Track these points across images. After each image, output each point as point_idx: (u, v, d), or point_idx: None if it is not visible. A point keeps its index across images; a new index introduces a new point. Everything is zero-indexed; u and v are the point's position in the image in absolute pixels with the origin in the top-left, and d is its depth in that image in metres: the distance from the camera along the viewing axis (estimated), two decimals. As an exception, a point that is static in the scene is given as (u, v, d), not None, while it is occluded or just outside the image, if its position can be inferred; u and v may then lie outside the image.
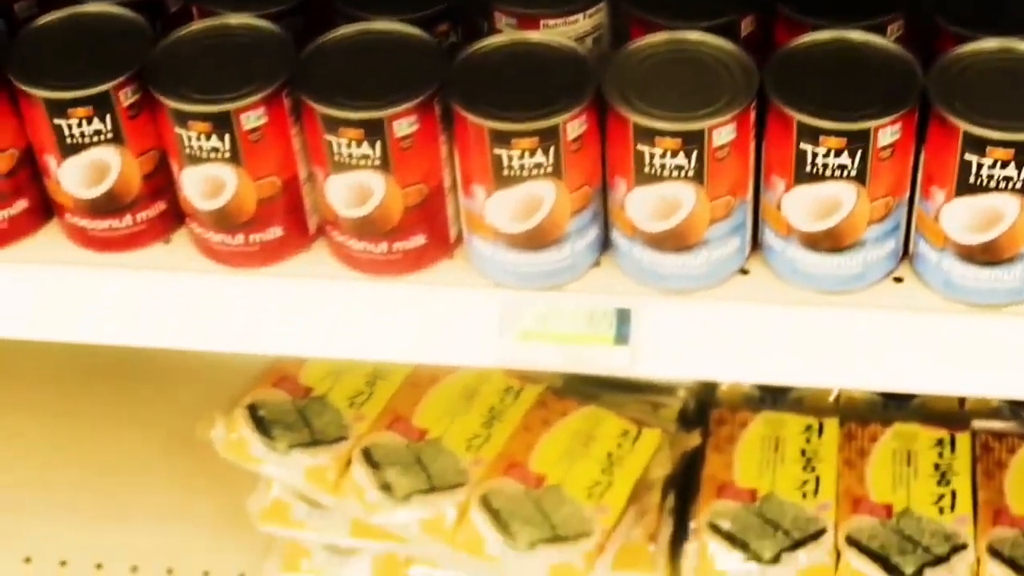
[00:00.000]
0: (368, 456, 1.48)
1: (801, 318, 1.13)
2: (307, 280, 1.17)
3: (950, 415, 1.57)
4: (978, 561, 1.42)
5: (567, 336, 1.14)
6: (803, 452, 1.52)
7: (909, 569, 1.41)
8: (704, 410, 1.59)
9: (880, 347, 1.13)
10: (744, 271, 1.16)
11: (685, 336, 1.14)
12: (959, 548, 1.42)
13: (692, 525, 1.47)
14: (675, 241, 1.11)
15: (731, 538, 1.44)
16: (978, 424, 1.55)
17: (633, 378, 1.56)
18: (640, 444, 1.50)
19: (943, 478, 1.49)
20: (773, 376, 1.15)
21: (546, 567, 1.42)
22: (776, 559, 1.43)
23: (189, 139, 1.10)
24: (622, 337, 1.14)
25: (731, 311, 1.14)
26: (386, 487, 1.46)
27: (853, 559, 1.42)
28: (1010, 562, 1.42)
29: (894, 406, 1.59)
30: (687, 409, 1.59)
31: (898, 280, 1.15)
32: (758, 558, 1.43)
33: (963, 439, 1.53)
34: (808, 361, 1.14)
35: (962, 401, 1.60)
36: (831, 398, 1.61)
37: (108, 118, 1.11)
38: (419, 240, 1.14)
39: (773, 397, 1.61)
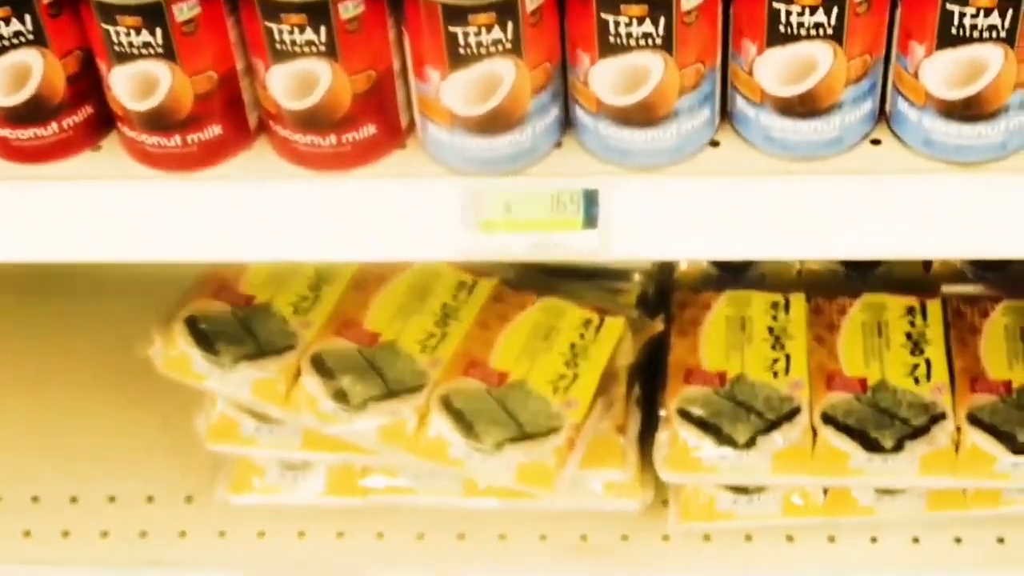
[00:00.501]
0: (319, 364, 1.46)
1: (778, 188, 1.12)
2: (251, 180, 1.15)
3: (917, 282, 1.58)
4: (958, 430, 1.44)
5: (533, 223, 1.13)
6: (771, 330, 1.52)
7: (888, 443, 1.42)
8: (663, 293, 1.59)
9: (862, 213, 1.12)
10: (715, 143, 1.15)
11: (657, 215, 1.13)
12: (938, 418, 1.44)
13: (662, 414, 1.47)
14: (643, 115, 1.10)
15: (703, 424, 1.45)
16: (948, 289, 1.56)
17: (588, 264, 1.56)
18: (603, 333, 1.49)
19: (916, 347, 1.50)
20: (753, 251, 1.15)
21: (515, 467, 1.41)
22: (751, 442, 1.43)
23: (118, 35, 1.06)
24: (590, 220, 1.13)
25: (704, 186, 1.12)
26: (340, 396, 1.44)
27: (830, 437, 1.43)
28: (991, 428, 1.44)
29: (857, 276, 1.60)
30: (646, 293, 1.59)
31: (876, 142, 1.14)
32: (732, 443, 1.43)
33: (934, 306, 1.54)
34: (788, 233, 1.13)
35: (927, 266, 1.60)
36: (794, 272, 1.61)
37: (28, 18, 1.07)
38: (369, 130, 1.12)
39: (734, 275, 1.61)
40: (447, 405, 1.43)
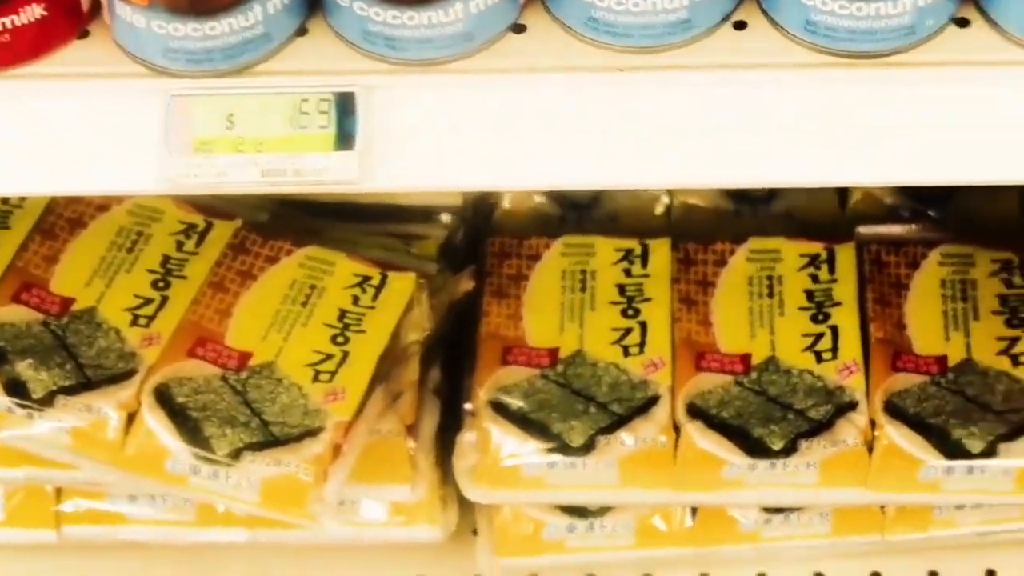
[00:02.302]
0: (-15, 343, 1.46)
1: (608, 89, 1.13)
2: None
3: (826, 222, 1.60)
4: (872, 424, 1.46)
5: (266, 141, 1.13)
6: (622, 289, 1.53)
7: (777, 444, 1.44)
8: (478, 240, 1.60)
9: (718, 123, 1.13)
10: (519, 27, 1.16)
11: (438, 129, 1.14)
12: (845, 408, 1.46)
13: (468, 407, 1.49)
14: (414, -14, 1.10)
15: (524, 421, 1.46)
16: (865, 230, 1.58)
17: (374, 201, 1.56)
18: (386, 295, 1.50)
19: (820, 311, 1.52)
20: (579, 179, 1.16)
21: (258, 485, 1.41)
22: (589, 445, 1.45)
23: None
24: (345, 137, 1.13)
25: (506, 87, 1.13)
26: (17, 386, 1.44)
27: (698, 436, 1.45)
28: (916, 421, 1.45)
29: (748, 214, 1.61)
30: (453, 240, 1.60)
31: (740, 26, 1.16)
32: (564, 446, 1.45)
33: (845, 253, 1.56)
34: (625, 151, 1.14)
35: (843, 201, 1.62)
36: (659, 210, 1.62)
37: None
38: (35, 12, 1.12)
39: (577, 214, 1.62)
40: (165, 399, 1.43)
